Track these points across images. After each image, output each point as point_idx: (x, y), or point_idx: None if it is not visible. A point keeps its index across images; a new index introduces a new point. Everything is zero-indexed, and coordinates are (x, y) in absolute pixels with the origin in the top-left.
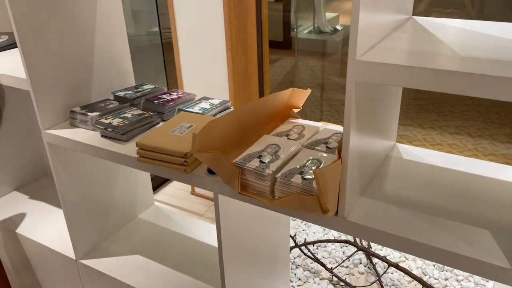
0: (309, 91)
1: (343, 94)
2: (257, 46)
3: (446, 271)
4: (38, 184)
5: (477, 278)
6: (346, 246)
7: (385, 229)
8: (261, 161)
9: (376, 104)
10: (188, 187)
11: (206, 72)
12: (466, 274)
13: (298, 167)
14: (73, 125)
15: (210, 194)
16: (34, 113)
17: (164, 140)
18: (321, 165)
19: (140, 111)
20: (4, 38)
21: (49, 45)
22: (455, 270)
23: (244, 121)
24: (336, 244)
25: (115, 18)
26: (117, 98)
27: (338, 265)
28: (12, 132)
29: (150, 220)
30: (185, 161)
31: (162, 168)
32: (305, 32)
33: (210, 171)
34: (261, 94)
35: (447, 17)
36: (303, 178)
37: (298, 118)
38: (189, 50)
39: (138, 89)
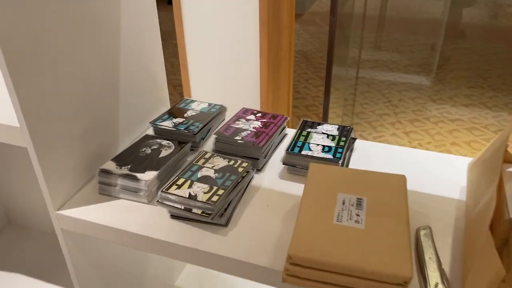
0: None
1: (340, 68)
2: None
3: None
4: (4, 238)
5: None
6: None
7: None
8: None
9: None
10: None
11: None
12: None
13: None
14: (104, 193)
15: None
16: None
17: (340, 246)
18: None
19: (220, 159)
20: None
21: (54, 68)
22: None
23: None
24: None
25: (147, 12)
26: (162, 132)
27: None
28: None
29: None
30: None
31: None
32: None
33: None
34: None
35: None
36: None
37: None
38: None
39: (187, 113)
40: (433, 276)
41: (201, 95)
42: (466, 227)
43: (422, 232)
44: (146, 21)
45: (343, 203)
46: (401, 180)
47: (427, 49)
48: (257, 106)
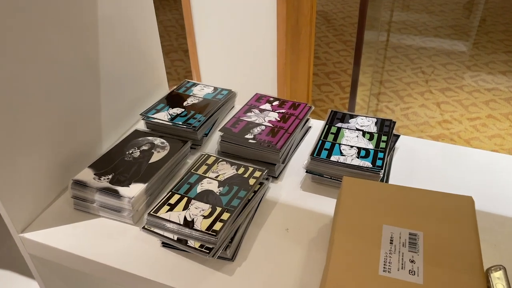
0: None
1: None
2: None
3: None
4: None
5: None
6: None
7: None
8: None
9: None
10: None
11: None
12: None
13: None
14: (80, 209)
15: None
16: None
17: None
18: None
19: (226, 165)
20: None
21: (10, 44)
22: None
23: None
24: None
25: None
26: (155, 126)
27: None
28: None
29: None
30: None
31: None
32: None
33: None
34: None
35: None
36: None
37: None
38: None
39: (187, 100)
40: None
41: (210, 65)
42: None
43: (494, 275)
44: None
45: (391, 241)
46: (468, 204)
47: (459, 8)
48: (273, 81)
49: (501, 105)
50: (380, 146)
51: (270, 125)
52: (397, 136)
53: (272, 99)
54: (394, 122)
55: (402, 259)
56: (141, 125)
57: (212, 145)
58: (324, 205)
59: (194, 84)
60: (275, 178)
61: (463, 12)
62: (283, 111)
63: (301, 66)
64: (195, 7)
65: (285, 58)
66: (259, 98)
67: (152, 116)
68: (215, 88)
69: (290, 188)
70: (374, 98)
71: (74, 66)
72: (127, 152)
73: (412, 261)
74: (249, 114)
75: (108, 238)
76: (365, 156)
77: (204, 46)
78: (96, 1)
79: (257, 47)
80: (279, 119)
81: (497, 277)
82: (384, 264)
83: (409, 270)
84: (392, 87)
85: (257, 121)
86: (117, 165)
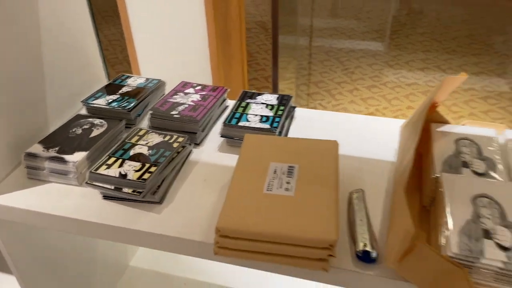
0: (463, 76)
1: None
2: None
3: None
4: None
5: None
6: None
7: None
8: (500, 245)
9: None
10: None
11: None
12: None
13: None
14: (33, 178)
15: None
16: None
17: (267, 215)
18: None
19: (155, 135)
20: None
21: None
22: None
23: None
24: None
25: None
26: (95, 110)
27: None
28: None
29: None
30: (329, 255)
31: (271, 264)
32: None
33: (365, 258)
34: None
35: None
36: None
37: (445, 123)
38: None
39: (122, 89)
40: (362, 237)
41: (151, 73)
42: (393, 189)
43: (354, 195)
44: None
45: (275, 172)
46: (333, 145)
47: (384, 15)
48: (209, 84)
49: (419, 98)
50: (278, 113)
51: (193, 103)
52: (294, 107)
53: (195, 84)
54: (291, 96)
55: (281, 182)
56: (84, 112)
57: (144, 124)
58: (235, 161)
59: (129, 77)
60: (198, 144)
61: (386, 18)
62: (204, 93)
63: (234, 70)
64: (133, 18)
65: (218, 62)
66: (185, 85)
67: (92, 102)
68: (147, 79)
69: (209, 151)
70: (308, 97)
71: (20, 62)
72: (70, 131)
73: (288, 183)
74: (175, 96)
75: (59, 197)
76: (266, 121)
77: (145, 56)
78: (35, 8)
79: (192, 54)
80: (200, 99)
81: (356, 196)
82: (268, 186)
83: (285, 188)
84: (325, 86)
85: (181, 102)
86: (63, 140)
